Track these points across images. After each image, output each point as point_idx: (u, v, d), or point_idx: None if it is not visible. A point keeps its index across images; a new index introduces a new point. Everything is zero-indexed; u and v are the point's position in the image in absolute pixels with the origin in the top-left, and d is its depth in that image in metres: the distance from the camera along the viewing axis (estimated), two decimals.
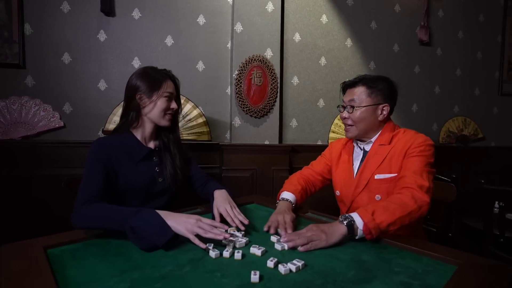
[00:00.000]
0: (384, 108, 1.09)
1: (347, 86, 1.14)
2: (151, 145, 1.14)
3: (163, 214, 0.82)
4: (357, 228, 0.85)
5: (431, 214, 1.37)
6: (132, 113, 1.10)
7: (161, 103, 1.08)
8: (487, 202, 1.42)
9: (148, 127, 1.12)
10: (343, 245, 0.85)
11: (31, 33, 1.62)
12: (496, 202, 1.82)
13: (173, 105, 1.12)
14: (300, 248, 0.79)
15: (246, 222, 0.93)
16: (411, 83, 2.34)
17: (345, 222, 0.85)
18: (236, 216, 0.96)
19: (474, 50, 2.48)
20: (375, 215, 0.85)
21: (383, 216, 0.85)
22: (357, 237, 0.86)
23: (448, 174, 1.31)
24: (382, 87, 1.09)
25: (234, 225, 0.94)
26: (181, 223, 0.79)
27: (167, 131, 1.17)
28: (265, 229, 0.94)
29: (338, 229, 0.85)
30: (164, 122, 1.11)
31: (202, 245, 0.77)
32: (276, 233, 0.91)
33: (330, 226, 0.86)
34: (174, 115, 1.17)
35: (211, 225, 0.80)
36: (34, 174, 1.59)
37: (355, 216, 0.86)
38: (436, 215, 1.30)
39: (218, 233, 0.78)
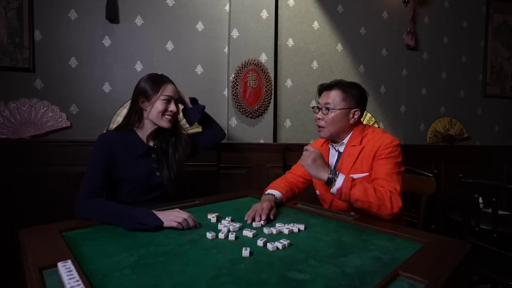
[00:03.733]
0: (355, 113, 1.17)
1: (323, 89, 1.21)
2: (151, 143, 1.23)
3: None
4: (334, 186, 1.03)
5: (414, 207, 1.46)
6: (135, 115, 1.20)
7: (159, 105, 1.17)
8: (465, 194, 1.52)
9: (149, 128, 1.21)
10: (326, 229, 0.94)
11: (40, 39, 1.72)
12: (481, 198, 1.92)
13: (172, 107, 1.19)
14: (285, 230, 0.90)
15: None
16: (399, 86, 2.45)
17: (330, 175, 1.03)
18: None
19: (459, 55, 2.59)
20: (353, 189, 1.00)
21: (358, 193, 1.00)
22: (330, 190, 1.05)
23: (432, 171, 1.40)
24: (355, 92, 1.17)
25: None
26: (163, 216, 0.92)
27: (167, 132, 1.25)
28: (245, 218, 1.01)
29: (322, 173, 1.04)
30: (163, 124, 1.19)
31: (185, 225, 0.91)
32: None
33: (320, 166, 1.05)
34: (175, 118, 1.24)
35: (185, 219, 0.92)
36: (42, 171, 1.68)
37: (340, 178, 1.02)
38: (418, 207, 1.40)
39: (192, 224, 0.93)
